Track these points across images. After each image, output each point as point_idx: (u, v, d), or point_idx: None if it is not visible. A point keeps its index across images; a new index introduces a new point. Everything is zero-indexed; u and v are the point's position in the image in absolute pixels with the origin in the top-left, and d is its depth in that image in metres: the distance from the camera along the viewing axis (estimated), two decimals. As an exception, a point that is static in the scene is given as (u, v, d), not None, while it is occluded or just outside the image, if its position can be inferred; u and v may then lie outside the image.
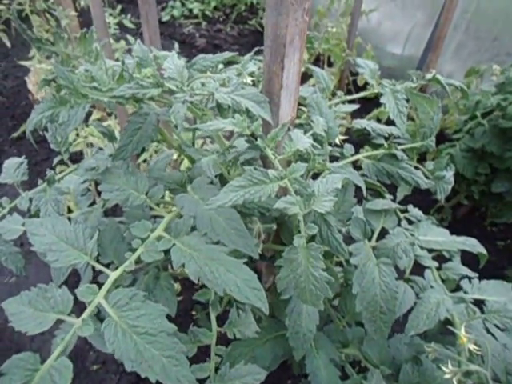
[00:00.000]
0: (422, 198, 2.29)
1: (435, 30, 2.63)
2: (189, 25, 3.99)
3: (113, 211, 1.90)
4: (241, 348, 0.85)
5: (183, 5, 4.10)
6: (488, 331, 0.78)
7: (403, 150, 0.91)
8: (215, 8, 4.20)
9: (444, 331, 0.88)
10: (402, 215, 0.88)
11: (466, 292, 0.84)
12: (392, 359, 0.88)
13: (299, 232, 0.57)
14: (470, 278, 0.89)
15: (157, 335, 0.56)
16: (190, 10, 4.09)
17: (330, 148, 0.86)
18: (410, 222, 0.88)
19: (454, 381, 0.59)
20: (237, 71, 0.82)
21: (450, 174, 0.91)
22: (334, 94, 2.15)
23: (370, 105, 2.46)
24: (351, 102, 0.99)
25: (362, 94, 0.95)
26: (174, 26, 3.93)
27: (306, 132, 0.74)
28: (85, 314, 0.57)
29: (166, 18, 3.97)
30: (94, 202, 1.24)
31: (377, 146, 0.85)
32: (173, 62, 0.65)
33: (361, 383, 0.78)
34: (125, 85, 0.57)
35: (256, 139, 0.60)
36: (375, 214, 0.86)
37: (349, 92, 3.37)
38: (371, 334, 0.77)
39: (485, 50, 2.81)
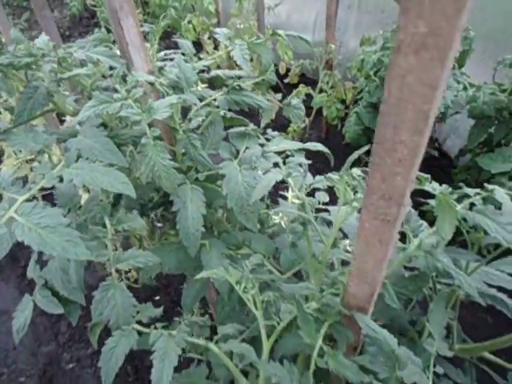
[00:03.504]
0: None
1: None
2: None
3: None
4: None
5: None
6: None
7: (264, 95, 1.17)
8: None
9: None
10: (262, 137, 1.13)
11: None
12: (276, 249, 1.12)
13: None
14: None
15: (56, 227, 0.77)
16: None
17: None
18: (269, 141, 1.12)
19: (282, 223, 0.82)
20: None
21: (296, 101, 1.17)
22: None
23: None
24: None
25: (218, 54, 1.21)
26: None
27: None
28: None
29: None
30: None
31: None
32: (41, 39, 0.87)
33: (245, 264, 1.01)
34: (1, 56, 0.79)
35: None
36: (239, 138, 1.10)
37: (272, 81, 3.67)
38: (245, 224, 1.01)
39: (377, 22, 3.19)
